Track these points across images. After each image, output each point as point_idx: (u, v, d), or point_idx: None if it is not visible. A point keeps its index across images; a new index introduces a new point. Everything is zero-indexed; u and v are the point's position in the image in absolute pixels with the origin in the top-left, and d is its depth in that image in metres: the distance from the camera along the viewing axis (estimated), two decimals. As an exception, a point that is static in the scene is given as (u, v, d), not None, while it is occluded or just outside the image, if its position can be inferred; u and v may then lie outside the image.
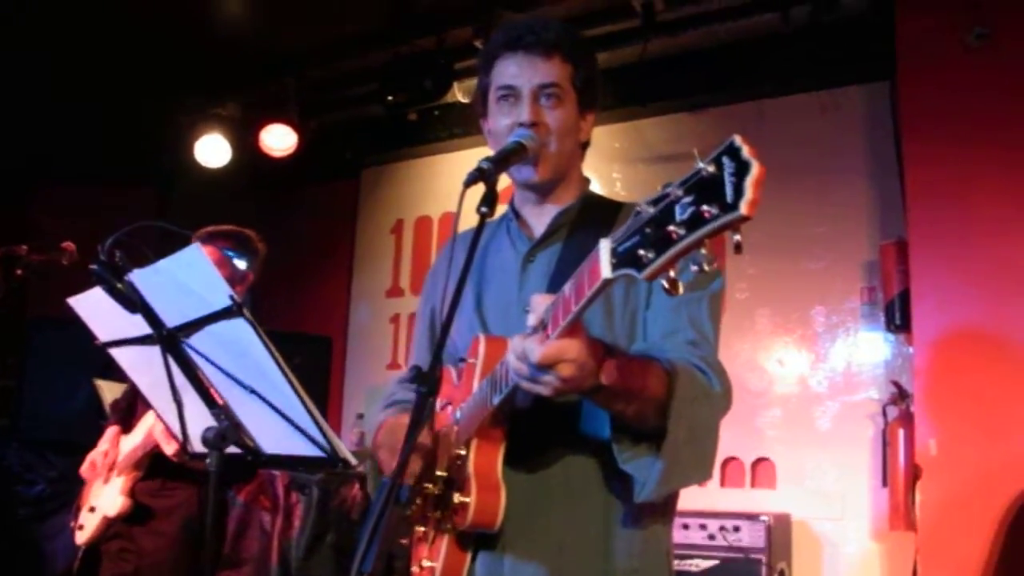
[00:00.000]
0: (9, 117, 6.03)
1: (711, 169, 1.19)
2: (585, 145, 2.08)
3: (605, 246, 1.35)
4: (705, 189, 1.19)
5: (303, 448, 1.88)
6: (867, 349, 4.95)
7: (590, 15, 5.14)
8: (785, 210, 5.16)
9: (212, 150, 6.16)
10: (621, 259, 1.32)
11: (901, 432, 4.47)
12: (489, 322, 1.99)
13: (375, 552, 1.53)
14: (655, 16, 5.08)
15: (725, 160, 1.18)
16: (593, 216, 1.97)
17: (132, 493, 3.82)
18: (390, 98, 5.68)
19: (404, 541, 1.80)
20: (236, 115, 6.20)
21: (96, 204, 6.45)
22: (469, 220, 1.74)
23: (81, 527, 3.94)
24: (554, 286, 1.88)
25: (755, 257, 5.08)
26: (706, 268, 1.22)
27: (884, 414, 4.69)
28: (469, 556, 1.87)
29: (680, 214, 1.22)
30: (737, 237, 1.20)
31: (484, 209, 1.70)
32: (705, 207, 1.18)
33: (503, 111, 1.96)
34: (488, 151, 1.89)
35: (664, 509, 1.92)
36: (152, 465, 3.81)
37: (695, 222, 1.20)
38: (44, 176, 6.84)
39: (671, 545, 1.98)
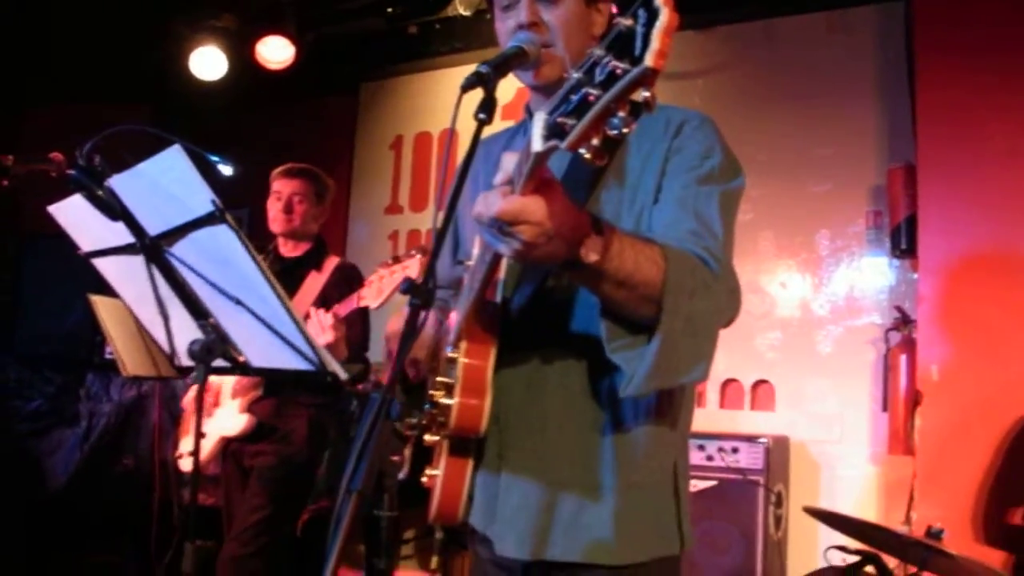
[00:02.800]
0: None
1: (628, 23, 1.10)
2: (603, 38, 1.96)
3: (539, 117, 1.25)
4: (621, 45, 1.11)
5: (292, 361, 1.82)
6: (871, 274, 4.89)
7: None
8: (792, 131, 5.08)
9: (208, 63, 6.00)
10: (551, 130, 1.22)
11: (903, 357, 4.44)
12: None
13: (364, 469, 1.49)
14: (665, -73, 4.89)
15: (640, 11, 1.09)
16: None
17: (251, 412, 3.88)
18: (390, 10, 5.52)
19: (396, 458, 1.76)
20: (232, 27, 6.03)
21: (90, 121, 6.31)
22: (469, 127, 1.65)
23: (192, 453, 3.98)
24: (565, 188, 1.81)
25: (760, 178, 4.99)
26: (624, 131, 1.12)
27: (886, 339, 4.66)
28: (470, 466, 1.82)
29: (599, 75, 1.13)
30: (646, 94, 1.10)
31: (482, 116, 1.58)
32: (617, 63, 1.10)
33: (505, 14, 1.86)
34: None
35: (671, 418, 1.84)
36: (268, 386, 3.83)
37: (609, 81, 1.11)
38: (36, 94, 6.71)
39: (684, 460, 1.91)
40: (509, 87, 1.72)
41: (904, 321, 4.57)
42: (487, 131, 1.64)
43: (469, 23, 5.83)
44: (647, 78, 1.08)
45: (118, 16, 6.00)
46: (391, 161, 6.60)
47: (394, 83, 6.65)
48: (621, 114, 1.13)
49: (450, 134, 1.72)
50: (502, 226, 1.41)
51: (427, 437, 1.85)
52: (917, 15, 4.54)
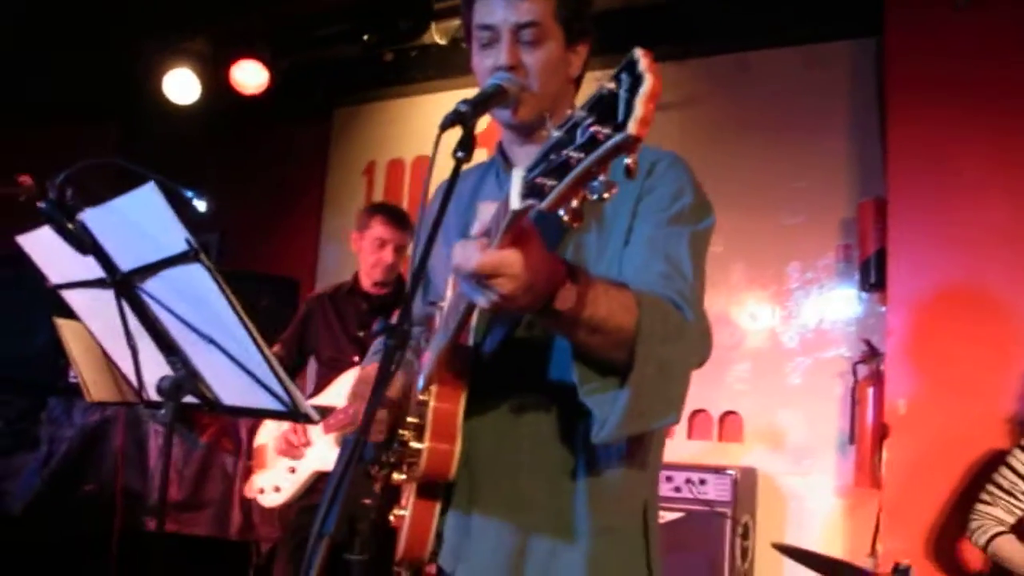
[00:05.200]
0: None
1: (611, 86, 1.09)
2: (578, 79, 1.96)
3: (517, 174, 1.25)
4: (604, 108, 1.10)
5: (263, 400, 1.80)
6: (840, 306, 4.93)
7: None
8: (764, 164, 5.12)
9: (180, 85, 5.97)
10: (529, 188, 1.22)
11: (870, 391, 4.47)
12: None
13: (337, 512, 1.47)
14: (642, -39, 4.96)
15: (623, 76, 1.08)
16: None
17: None
18: (366, 37, 5.52)
19: (367, 501, 1.75)
20: (206, 50, 6.00)
21: (57, 139, 6.26)
22: (446, 164, 1.65)
23: (277, 489, 3.96)
24: (543, 231, 1.80)
25: (731, 211, 4.98)
26: (605, 196, 1.12)
27: (854, 372, 4.69)
28: (438, 507, 1.80)
29: (580, 137, 1.13)
30: (628, 160, 1.10)
31: (460, 154, 1.57)
32: (600, 128, 1.09)
33: (484, 52, 1.85)
34: (463, 95, 1.79)
35: (642, 460, 1.84)
36: None
37: (591, 145, 1.11)
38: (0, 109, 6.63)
39: (654, 498, 1.91)
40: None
41: (872, 354, 4.60)
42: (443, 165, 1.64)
43: (445, 51, 5.83)
44: (629, 145, 1.08)
45: (88, 32, 5.96)
46: (363, 187, 6.57)
47: (368, 109, 6.64)
48: (602, 178, 1.13)
49: (429, 173, 1.71)
50: (480, 279, 1.41)
51: (395, 476, 1.84)
52: (889, 52, 4.61)
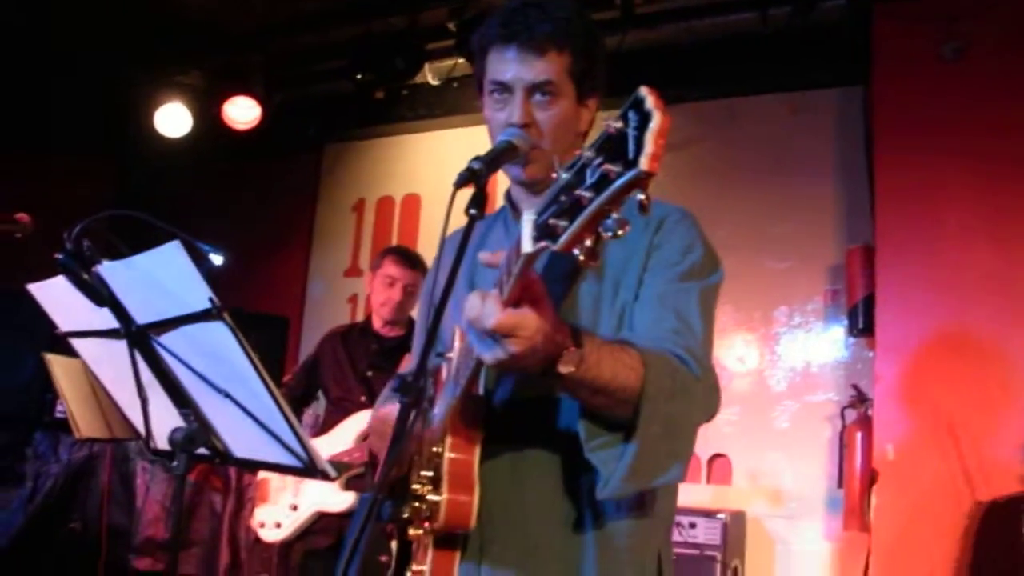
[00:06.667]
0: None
1: (618, 125, 1.11)
2: (585, 133, 1.96)
3: (528, 218, 1.27)
4: (612, 147, 1.12)
5: (277, 455, 1.80)
6: (828, 351, 4.97)
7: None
8: (752, 209, 5.16)
9: (173, 119, 5.97)
10: (541, 231, 1.24)
11: (859, 435, 4.49)
12: None
13: (355, 571, 1.48)
14: (634, 8, 5.02)
15: (631, 114, 1.10)
16: None
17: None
18: (359, 76, 5.55)
19: (383, 558, 1.74)
20: (199, 85, 6.01)
21: (50, 171, 6.25)
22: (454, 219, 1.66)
23: (278, 525, 3.95)
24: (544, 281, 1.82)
25: (720, 253, 5.03)
26: (619, 233, 1.13)
27: (842, 416, 4.71)
28: (458, 557, 1.79)
29: (590, 177, 1.14)
30: (641, 196, 1.11)
31: (473, 211, 1.60)
32: (610, 166, 1.11)
33: (497, 105, 1.87)
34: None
35: (651, 510, 1.83)
36: None
37: (602, 183, 1.12)
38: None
39: (668, 548, 1.90)
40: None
41: (860, 399, 4.62)
42: (455, 221, 1.64)
43: (436, 91, 5.88)
44: (642, 181, 1.09)
45: (85, 67, 5.95)
46: (352, 224, 6.58)
47: (358, 146, 6.66)
48: (615, 215, 1.14)
49: (443, 235, 1.72)
50: (495, 336, 1.42)
51: (411, 531, 1.83)
52: (876, 101, 4.66)
